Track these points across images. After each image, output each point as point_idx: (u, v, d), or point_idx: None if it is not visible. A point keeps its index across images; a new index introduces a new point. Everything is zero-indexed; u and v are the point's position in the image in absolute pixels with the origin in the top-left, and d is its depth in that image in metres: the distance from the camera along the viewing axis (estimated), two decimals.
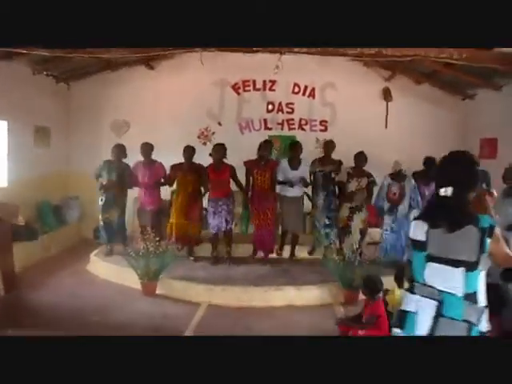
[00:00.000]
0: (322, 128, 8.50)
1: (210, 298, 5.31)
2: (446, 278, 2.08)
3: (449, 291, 2.08)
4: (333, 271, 5.45)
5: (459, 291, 2.06)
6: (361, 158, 6.33)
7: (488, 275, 2.16)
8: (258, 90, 8.38)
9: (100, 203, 6.42)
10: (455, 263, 2.06)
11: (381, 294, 4.03)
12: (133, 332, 4.25)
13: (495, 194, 5.70)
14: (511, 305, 3.86)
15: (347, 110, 8.18)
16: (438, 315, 2.08)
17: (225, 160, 6.25)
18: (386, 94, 8.44)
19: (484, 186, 5.64)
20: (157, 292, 5.46)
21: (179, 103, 8.04)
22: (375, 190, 6.45)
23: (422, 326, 2.12)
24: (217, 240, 6.44)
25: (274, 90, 8.37)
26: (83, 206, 8.09)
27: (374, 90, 8.43)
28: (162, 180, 6.57)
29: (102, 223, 6.44)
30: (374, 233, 6.74)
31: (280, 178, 6.28)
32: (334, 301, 5.40)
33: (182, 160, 6.32)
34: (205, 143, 8.16)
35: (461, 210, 2.11)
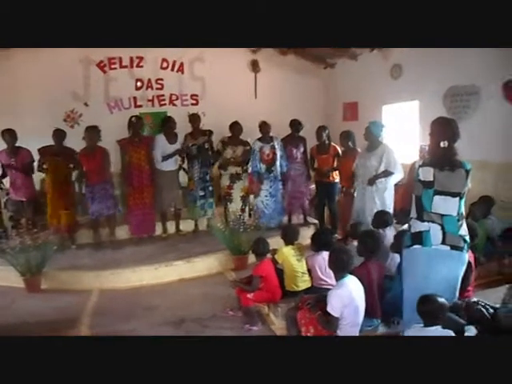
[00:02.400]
0: (194, 102, 8.53)
1: (100, 284, 5.22)
2: (447, 205, 3.00)
3: (449, 214, 3.00)
4: (221, 239, 5.65)
5: (455, 213, 3.00)
6: (236, 127, 6.51)
7: None
8: (125, 67, 8.09)
9: None
10: (453, 194, 2.98)
11: (268, 255, 4.30)
12: (26, 333, 3.99)
13: (359, 150, 6.28)
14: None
15: (217, 82, 8.26)
16: (444, 232, 2.99)
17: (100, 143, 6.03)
18: (254, 66, 8.74)
19: (350, 144, 6.21)
20: (42, 287, 5.22)
21: (39, 86, 7.37)
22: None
23: (435, 240, 3.00)
24: (97, 225, 6.23)
25: (141, 67, 8.14)
26: None
27: (242, 63, 8.65)
28: (31, 165, 6.04)
29: None
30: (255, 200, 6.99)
31: (159, 153, 6.23)
32: (224, 268, 5.63)
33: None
34: (72, 126, 7.70)
35: (454, 157, 3.02)
